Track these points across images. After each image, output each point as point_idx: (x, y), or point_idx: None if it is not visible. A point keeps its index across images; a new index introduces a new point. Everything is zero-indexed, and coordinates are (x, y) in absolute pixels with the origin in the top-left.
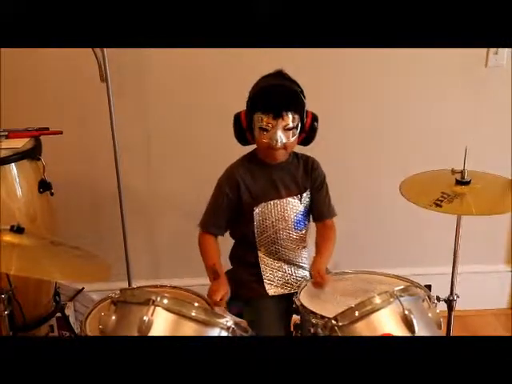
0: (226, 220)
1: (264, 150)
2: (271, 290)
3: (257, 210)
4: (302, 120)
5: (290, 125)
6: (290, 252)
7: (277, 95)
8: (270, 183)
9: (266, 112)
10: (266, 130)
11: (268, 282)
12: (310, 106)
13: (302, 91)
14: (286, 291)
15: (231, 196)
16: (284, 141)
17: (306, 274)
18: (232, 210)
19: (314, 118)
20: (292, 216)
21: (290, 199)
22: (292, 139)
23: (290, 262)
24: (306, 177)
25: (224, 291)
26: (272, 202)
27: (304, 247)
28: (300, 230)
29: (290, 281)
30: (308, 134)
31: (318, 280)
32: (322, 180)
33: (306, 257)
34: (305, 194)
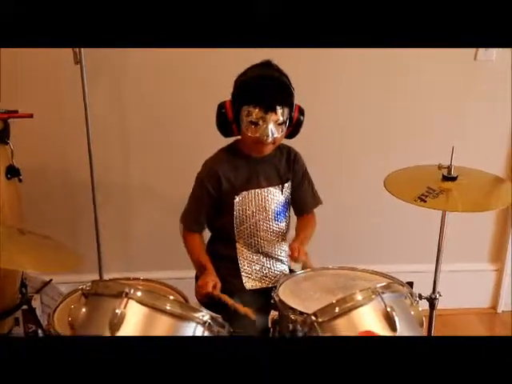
0: (206, 216)
1: (251, 144)
2: (248, 284)
3: (237, 199)
4: (290, 114)
5: (281, 119)
6: (269, 245)
7: (268, 88)
8: (251, 173)
9: (257, 105)
10: (256, 124)
11: (246, 275)
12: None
13: (290, 83)
14: (264, 285)
15: (212, 191)
16: (275, 135)
17: (285, 268)
18: (213, 204)
19: (301, 112)
20: (272, 207)
21: (271, 189)
22: (281, 133)
23: (268, 255)
24: (288, 168)
25: (213, 282)
26: (253, 191)
27: (283, 240)
28: (280, 222)
29: (268, 274)
30: (294, 128)
31: (294, 255)
32: (303, 171)
33: (285, 250)
34: (286, 185)
